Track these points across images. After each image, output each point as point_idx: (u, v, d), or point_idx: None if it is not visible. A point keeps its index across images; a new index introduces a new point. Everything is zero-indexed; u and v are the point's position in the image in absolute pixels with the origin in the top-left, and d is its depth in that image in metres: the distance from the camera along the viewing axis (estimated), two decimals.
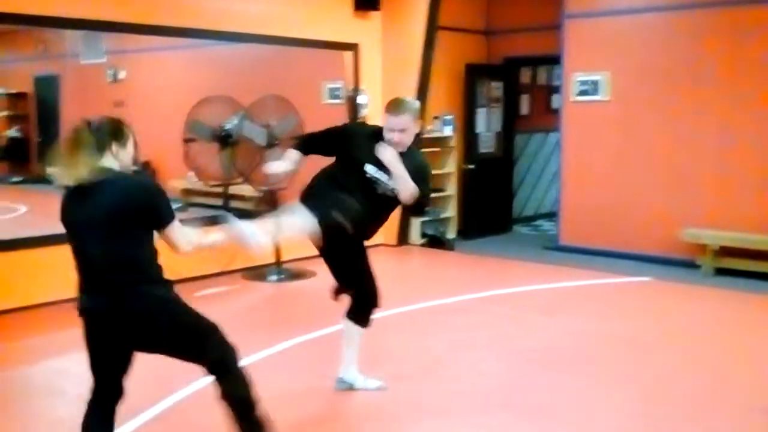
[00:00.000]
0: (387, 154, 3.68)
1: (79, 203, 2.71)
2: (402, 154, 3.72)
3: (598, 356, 4.74)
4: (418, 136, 4.05)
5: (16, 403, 4.07)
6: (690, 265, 7.04)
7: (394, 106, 3.79)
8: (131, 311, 2.70)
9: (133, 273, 2.71)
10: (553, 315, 5.68)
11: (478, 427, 3.71)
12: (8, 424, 3.75)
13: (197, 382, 3.79)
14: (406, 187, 3.65)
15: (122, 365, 2.85)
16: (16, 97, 12.52)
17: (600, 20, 7.67)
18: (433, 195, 4.60)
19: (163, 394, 3.98)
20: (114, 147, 2.77)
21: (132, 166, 2.87)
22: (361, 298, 3.98)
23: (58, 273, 5.77)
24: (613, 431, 3.68)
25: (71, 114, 11.89)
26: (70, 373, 4.43)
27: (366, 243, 3.93)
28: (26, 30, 9.79)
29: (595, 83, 7.68)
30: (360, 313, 4.00)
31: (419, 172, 3.73)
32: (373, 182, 3.69)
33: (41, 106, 12.45)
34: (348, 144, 3.84)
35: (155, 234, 2.78)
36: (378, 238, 8.18)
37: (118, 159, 2.78)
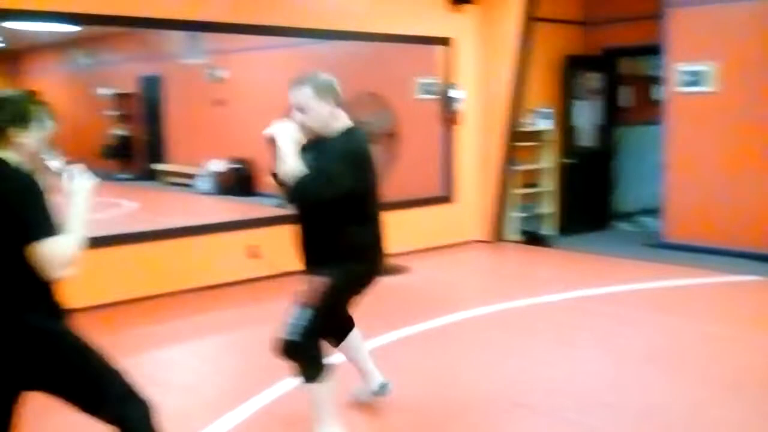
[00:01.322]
0: (273, 128, 3.09)
1: None
2: (324, 143, 3.14)
3: (705, 357, 4.56)
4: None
5: None
6: None
7: (295, 79, 3.15)
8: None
9: (5, 297, 2.22)
10: (658, 314, 5.49)
11: (579, 426, 3.62)
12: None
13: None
14: (285, 169, 3.03)
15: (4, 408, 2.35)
16: (123, 97, 13.07)
17: (705, 8, 7.34)
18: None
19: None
20: (13, 132, 2.26)
21: (40, 157, 2.33)
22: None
23: (165, 266, 6.03)
24: None
25: (174, 112, 12.34)
26: (172, 363, 4.58)
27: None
28: (131, 32, 10.19)
29: (700, 74, 7.36)
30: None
31: (334, 154, 3.08)
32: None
33: (146, 105, 12.95)
34: None
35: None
36: (472, 234, 8.16)
37: (19, 149, 2.27)
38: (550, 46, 8.41)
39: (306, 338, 3.13)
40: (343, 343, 3.62)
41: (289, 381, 3.88)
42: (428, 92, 8.02)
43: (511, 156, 7.99)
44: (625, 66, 9.57)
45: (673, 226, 7.77)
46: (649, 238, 8.24)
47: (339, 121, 3.20)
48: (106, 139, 13.33)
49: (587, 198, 8.85)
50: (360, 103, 6.70)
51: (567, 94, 8.59)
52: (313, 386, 3.19)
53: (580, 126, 8.75)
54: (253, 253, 6.28)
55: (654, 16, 7.75)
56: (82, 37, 12.26)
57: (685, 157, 7.62)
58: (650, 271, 6.81)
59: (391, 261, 6.97)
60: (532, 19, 7.75)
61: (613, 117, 9.19)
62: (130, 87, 13.07)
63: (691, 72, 7.43)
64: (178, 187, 11.67)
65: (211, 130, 11.28)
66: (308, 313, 3.13)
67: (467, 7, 7.79)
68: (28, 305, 2.23)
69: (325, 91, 3.13)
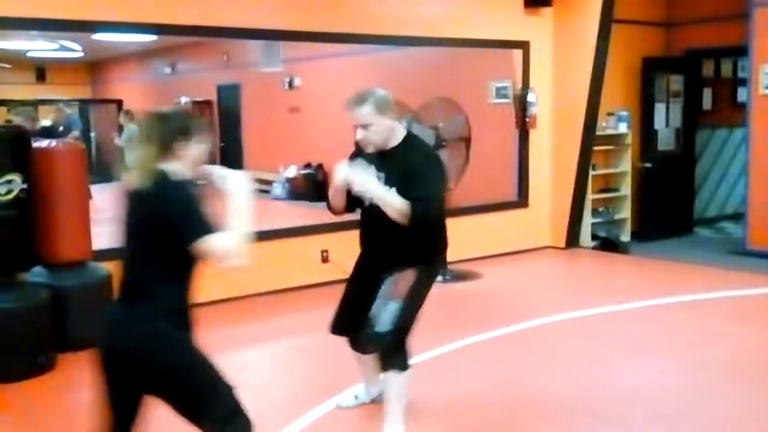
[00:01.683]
0: (354, 181, 3.21)
1: (129, 206, 2.42)
2: (385, 154, 3.30)
3: None
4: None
5: None
6: None
7: (350, 99, 3.29)
8: (117, 345, 2.39)
9: (136, 300, 2.39)
10: (741, 325, 5.29)
11: None
12: None
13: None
14: (390, 212, 3.15)
15: (126, 409, 2.46)
16: (201, 105, 13.40)
17: None
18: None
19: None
20: (177, 145, 2.39)
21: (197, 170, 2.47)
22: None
23: (242, 270, 6.13)
24: None
25: (251, 119, 12.58)
26: (246, 365, 4.65)
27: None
28: (210, 41, 10.46)
29: None
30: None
31: (409, 172, 3.20)
32: (361, 200, 3.33)
33: (223, 112, 13.25)
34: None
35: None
36: (544, 239, 8.04)
37: (184, 160, 2.41)
38: (628, 48, 8.25)
39: (398, 331, 3.28)
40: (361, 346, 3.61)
41: (358, 384, 3.92)
42: (503, 96, 7.95)
43: (587, 160, 7.84)
44: (708, 68, 9.31)
45: (757, 233, 7.49)
46: (731, 245, 7.97)
47: (397, 132, 3.34)
48: None
49: (667, 203, 8.62)
50: (433, 107, 6.70)
51: (646, 97, 8.40)
52: (400, 377, 3.35)
53: (660, 129, 8.54)
54: (324, 258, 6.36)
55: (739, 16, 7.54)
56: (162, 46, 12.65)
57: None
58: (732, 279, 6.59)
59: (462, 267, 6.96)
60: (610, 20, 7.60)
61: (695, 120, 8.93)
62: (208, 95, 13.40)
63: None
64: (254, 193, 11.89)
65: (286, 137, 11.46)
66: (399, 307, 3.25)
67: (543, 9, 7.70)
68: (162, 312, 2.36)
69: (384, 106, 3.27)
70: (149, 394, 2.42)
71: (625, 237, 8.34)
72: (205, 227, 2.28)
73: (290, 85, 11.42)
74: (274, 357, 4.92)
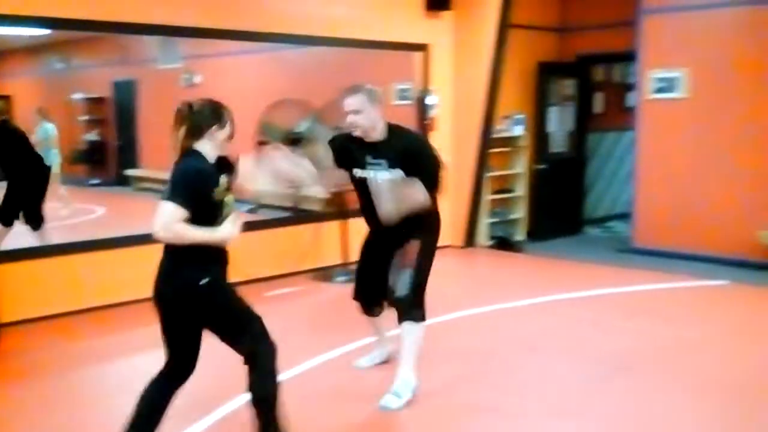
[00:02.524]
0: (381, 184, 3.88)
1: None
2: (379, 143, 3.87)
3: (674, 362, 4.61)
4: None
5: (92, 401, 4.20)
6: None
7: (348, 89, 3.95)
8: (170, 294, 2.94)
9: (174, 254, 2.91)
10: (627, 319, 5.54)
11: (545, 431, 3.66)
12: (86, 422, 3.87)
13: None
14: (415, 201, 3.77)
15: (186, 342, 3.03)
16: (95, 102, 12.93)
17: (679, 15, 7.45)
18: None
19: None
20: (212, 129, 2.98)
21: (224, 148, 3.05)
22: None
23: (133, 273, 5.97)
24: None
25: (148, 118, 12.23)
26: (143, 371, 4.54)
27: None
28: (106, 36, 10.11)
29: (672, 80, 7.47)
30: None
31: (411, 152, 3.84)
32: (367, 182, 3.92)
33: (119, 110, 12.83)
34: (338, 159, 4.03)
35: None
36: (443, 239, 8.18)
37: (214, 141, 2.99)
38: (524, 52, 8.48)
39: (414, 291, 3.90)
40: (375, 310, 4.27)
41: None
42: (405, 98, 8.04)
43: (484, 162, 8.03)
44: (599, 72, 9.68)
45: (643, 232, 7.86)
46: (620, 243, 8.33)
47: (381, 122, 3.91)
48: (78, 145, 13.19)
49: (559, 203, 8.93)
50: (335, 107, 6.69)
51: (540, 100, 8.66)
52: (416, 327, 3.94)
53: (553, 132, 8.82)
54: None
55: (629, 22, 7.84)
56: (54, 41, 12.13)
57: (656, 163, 7.72)
58: (620, 276, 6.89)
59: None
60: (507, 25, 7.81)
61: (587, 123, 9.28)
62: (103, 92, 12.95)
63: (664, 78, 7.52)
64: (151, 193, 11.58)
65: None
66: (412, 273, 3.88)
67: (443, 13, 7.83)
68: (193, 258, 2.90)
69: (374, 98, 3.89)
70: (200, 327, 2.99)
71: (520, 236, 8.59)
72: (169, 195, 2.81)
73: (190, 82, 11.18)
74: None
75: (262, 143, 6.98)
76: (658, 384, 4.24)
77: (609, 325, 5.38)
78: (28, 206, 6.67)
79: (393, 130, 3.93)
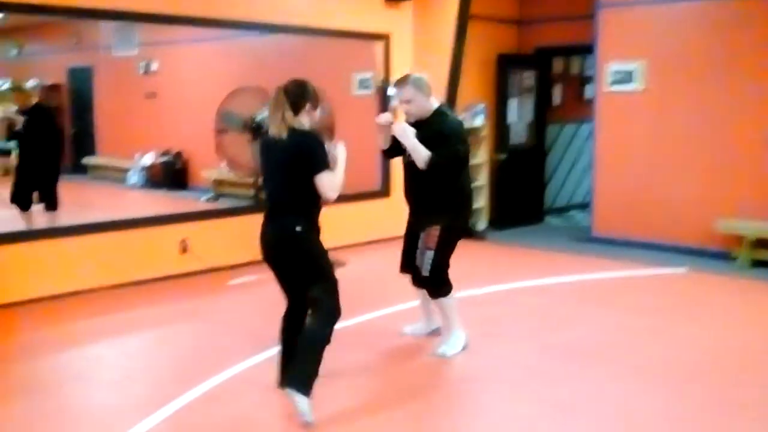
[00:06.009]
0: (396, 129, 4.20)
1: (270, 150, 3.54)
2: (423, 123, 4.19)
3: (631, 349, 4.68)
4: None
5: (47, 390, 4.12)
6: (726, 256, 6.92)
7: (398, 80, 4.31)
8: (275, 238, 3.54)
9: (287, 209, 3.50)
10: (585, 307, 5.62)
11: (501, 418, 3.70)
12: (41, 410, 3.79)
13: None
14: (416, 157, 4.12)
15: (295, 282, 3.61)
16: (51, 88, 12.66)
17: (635, 9, 7.55)
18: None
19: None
20: (307, 106, 3.53)
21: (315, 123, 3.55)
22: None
23: (85, 262, 5.88)
24: (639, 427, 3.62)
25: (104, 105, 12.03)
26: (100, 359, 4.48)
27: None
28: (61, 22, 9.89)
29: (629, 73, 7.56)
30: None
31: (437, 137, 4.13)
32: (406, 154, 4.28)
33: (75, 97, 12.60)
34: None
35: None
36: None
37: (310, 116, 3.53)
38: (484, 43, 8.51)
39: (435, 271, 4.34)
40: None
41: (216, 378, 3.87)
42: (365, 87, 8.02)
43: None
44: (558, 65, 9.77)
45: (602, 221, 7.96)
46: (579, 232, 8.44)
47: (431, 105, 4.25)
48: None
49: (520, 193, 9.00)
50: None
51: (501, 92, 8.71)
52: (447, 299, 4.44)
53: (514, 123, 8.88)
54: (183, 248, 6.18)
55: (587, 15, 7.91)
56: (7, 26, 11.85)
57: (613, 153, 7.82)
58: (579, 264, 6.97)
59: (332, 254, 6.97)
60: (467, 16, 7.82)
61: (546, 115, 9.36)
62: (58, 78, 12.70)
63: (621, 71, 7.62)
64: (108, 181, 11.40)
65: (143, 123, 11.05)
66: (432, 254, 4.29)
67: (404, 3, 7.82)
68: (301, 221, 3.50)
69: (423, 86, 4.20)
70: (296, 274, 3.59)
71: (482, 225, 8.64)
72: (325, 165, 3.45)
73: (147, 69, 11.02)
74: (128, 351, 4.73)
75: (221, 131, 6.93)
76: (615, 370, 4.29)
77: (564, 314, 5.44)
78: (44, 187, 6.85)
79: (437, 114, 4.25)
